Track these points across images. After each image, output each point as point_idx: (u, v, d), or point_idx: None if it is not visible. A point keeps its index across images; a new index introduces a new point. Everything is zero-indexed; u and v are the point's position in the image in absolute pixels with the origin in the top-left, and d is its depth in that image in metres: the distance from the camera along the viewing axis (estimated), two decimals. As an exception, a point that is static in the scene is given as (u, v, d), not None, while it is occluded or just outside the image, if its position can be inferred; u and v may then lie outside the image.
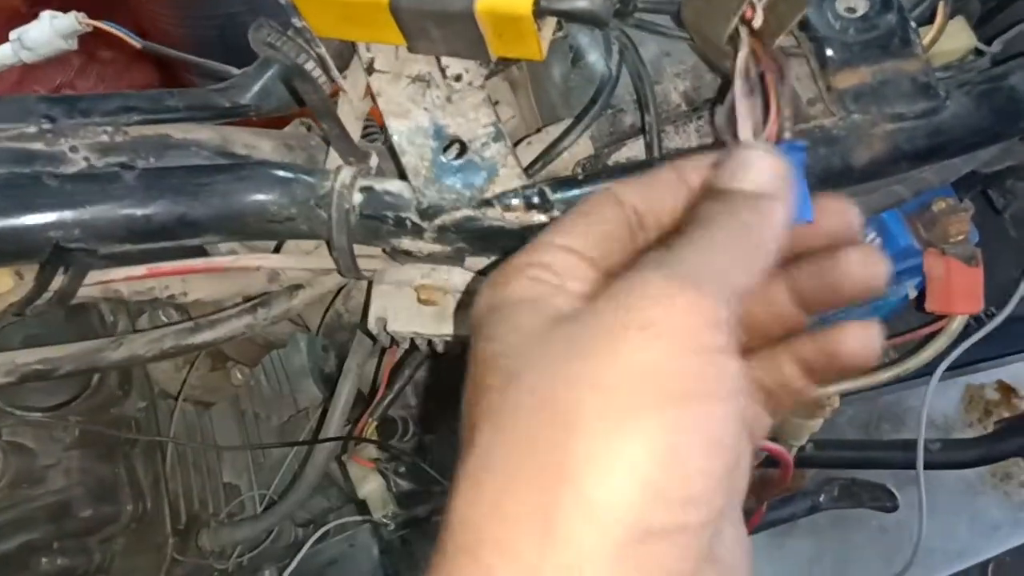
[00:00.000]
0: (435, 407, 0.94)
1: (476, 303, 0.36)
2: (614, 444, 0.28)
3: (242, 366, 0.85)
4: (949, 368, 0.81)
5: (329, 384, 0.84)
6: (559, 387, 0.30)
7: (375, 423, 0.76)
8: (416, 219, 0.52)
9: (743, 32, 0.41)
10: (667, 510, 0.28)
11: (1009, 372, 1.38)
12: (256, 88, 0.56)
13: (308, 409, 0.93)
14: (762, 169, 0.36)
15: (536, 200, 0.52)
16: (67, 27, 0.62)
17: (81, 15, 0.63)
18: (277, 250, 0.60)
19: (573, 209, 0.38)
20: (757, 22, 0.41)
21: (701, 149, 0.58)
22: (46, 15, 0.63)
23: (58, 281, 0.48)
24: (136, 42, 0.63)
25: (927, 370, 0.75)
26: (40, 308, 0.50)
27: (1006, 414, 1.60)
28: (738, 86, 0.38)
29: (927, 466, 1.03)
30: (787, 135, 0.45)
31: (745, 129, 0.37)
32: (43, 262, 0.47)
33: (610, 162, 0.60)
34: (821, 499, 1.39)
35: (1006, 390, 1.64)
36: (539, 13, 0.49)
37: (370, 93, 0.56)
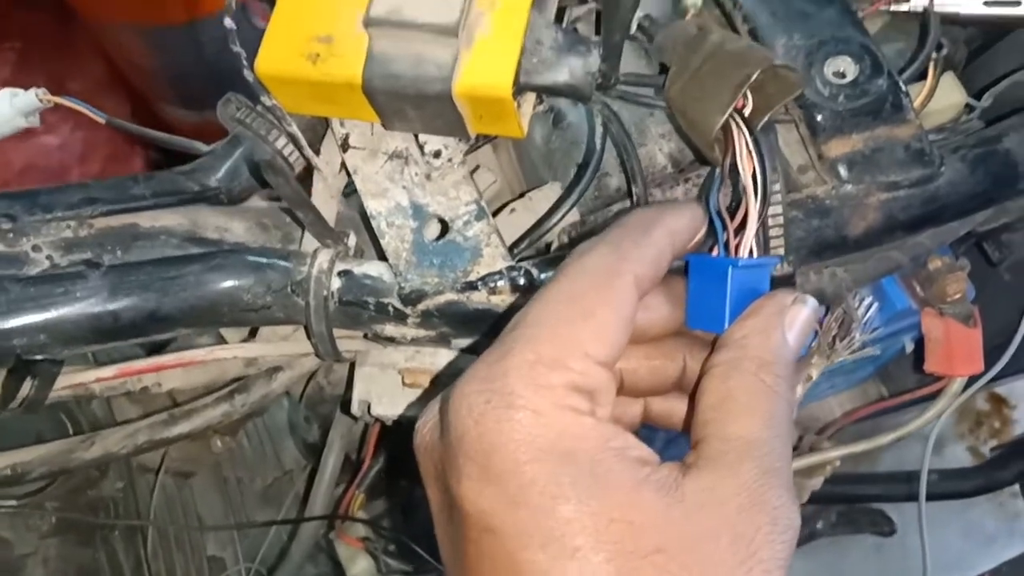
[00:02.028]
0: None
1: (482, 423, 0.33)
2: None
3: (223, 434, 0.83)
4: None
5: (312, 452, 0.82)
6: None
7: (362, 495, 0.74)
8: (398, 304, 0.50)
9: (734, 124, 0.39)
10: None
11: (1000, 384, 1.37)
12: (224, 169, 0.54)
13: (293, 471, 0.90)
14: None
15: (522, 281, 0.50)
16: (28, 105, 0.60)
17: (42, 91, 0.61)
18: (253, 333, 0.57)
19: (601, 291, 0.36)
20: (748, 109, 0.40)
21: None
22: (6, 93, 0.60)
23: (25, 389, 0.46)
24: (99, 117, 0.61)
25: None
26: (7, 415, 0.48)
27: (997, 425, 1.60)
28: (721, 185, 0.37)
29: (929, 498, 1.02)
30: (777, 239, 0.44)
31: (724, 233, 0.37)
32: (8, 371, 0.45)
33: (596, 228, 0.58)
34: (819, 526, 1.38)
35: (997, 401, 1.64)
36: (519, 91, 0.47)
37: (345, 168, 0.54)
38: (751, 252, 0.42)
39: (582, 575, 0.31)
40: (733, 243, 0.42)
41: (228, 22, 0.50)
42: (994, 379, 1.10)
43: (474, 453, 0.32)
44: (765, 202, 0.41)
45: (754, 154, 0.39)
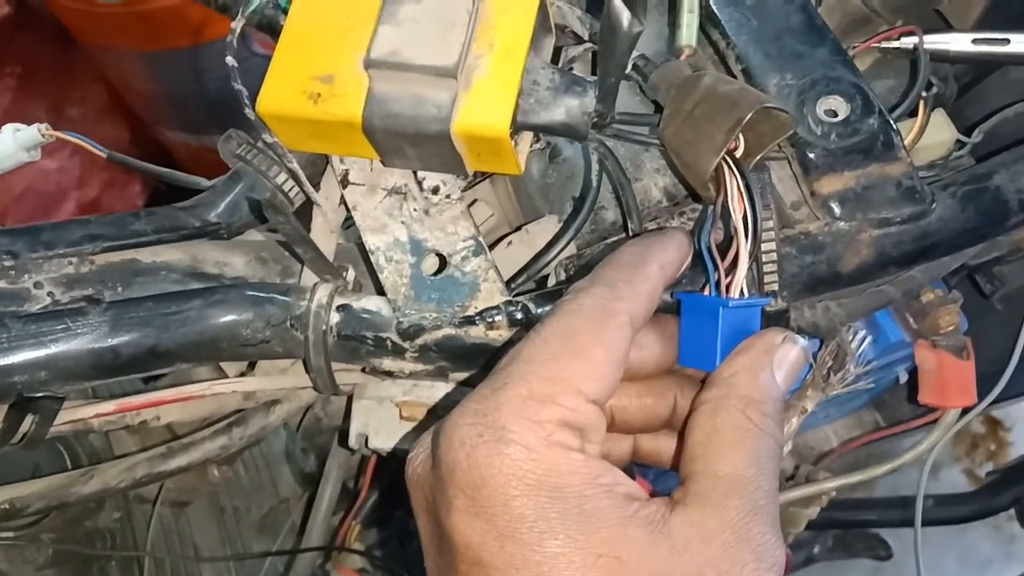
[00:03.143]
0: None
1: (473, 456, 0.33)
2: None
3: (219, 464, 0.83)
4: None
5: (309, 482, 0.82)
6: None
7: (359, 526, 0.74)
8: (396, 339, 0.51)
9: (727, 167, 0.40)
10: None
11: (995, 407, 1.37)
12: (224, 205, 0.55)
13: (289, 500, 0.90)
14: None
15: (519, 316, 0.50)
16: (30, 140, 0.61)
17: (44, 126, 0.61)
18: (252, 366, 0.58)
19: (594, 330, 0.36)
20: (740, 151, 0.41)
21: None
22: (8, 128, 0.61)
23: (26, 426, 0.46)
24: (100, 151, 0.62)
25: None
26: (7, 449, 0.48)
27: (993, 447, 1.60)
28: (714, 226, 0.38)
29: (924, 523, 1.02)
30: (771, 277, 0.44)
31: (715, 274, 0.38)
32: (9, 407, 0.45)
33: (593, 261, 0.59)
34: (816, 551, 1.38)
35: (993, 424, 1.64)
36: (516, 130, 0.48)
37: (344, 203, 0.55)
38: (742, 292, 0.43)
39: None
40: (724, 282, 0.42)
41: (230, 60, 0.50)
42: (989, 405, 1.11)
43: (464, 485, 0.33)
44: (756, 242, 0.42)
45: (745, 196, 0.40)
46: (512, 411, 0.34)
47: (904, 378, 0.68)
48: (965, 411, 0.64)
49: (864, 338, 0.56)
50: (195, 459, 0.56)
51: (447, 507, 0.33)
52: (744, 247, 0.40)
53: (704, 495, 0.35)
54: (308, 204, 0.58)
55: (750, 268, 0.45)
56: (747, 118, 0.41)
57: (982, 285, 0.69)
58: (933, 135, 0.56)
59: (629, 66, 0.52)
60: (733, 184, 0.40)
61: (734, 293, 0.42)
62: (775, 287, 0.47)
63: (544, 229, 0.61)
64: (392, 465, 0.78)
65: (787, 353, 0.41)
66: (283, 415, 0.58)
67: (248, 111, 0.49)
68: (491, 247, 0.58)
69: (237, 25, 0.54)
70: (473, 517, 0.33)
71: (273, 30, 0.61)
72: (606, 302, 0.38)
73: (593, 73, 0.57)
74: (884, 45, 0.59)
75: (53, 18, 1.97)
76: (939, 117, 0.57)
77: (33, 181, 2.08)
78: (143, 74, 2.07)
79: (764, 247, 0.45)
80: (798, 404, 0.59)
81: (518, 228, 0.63)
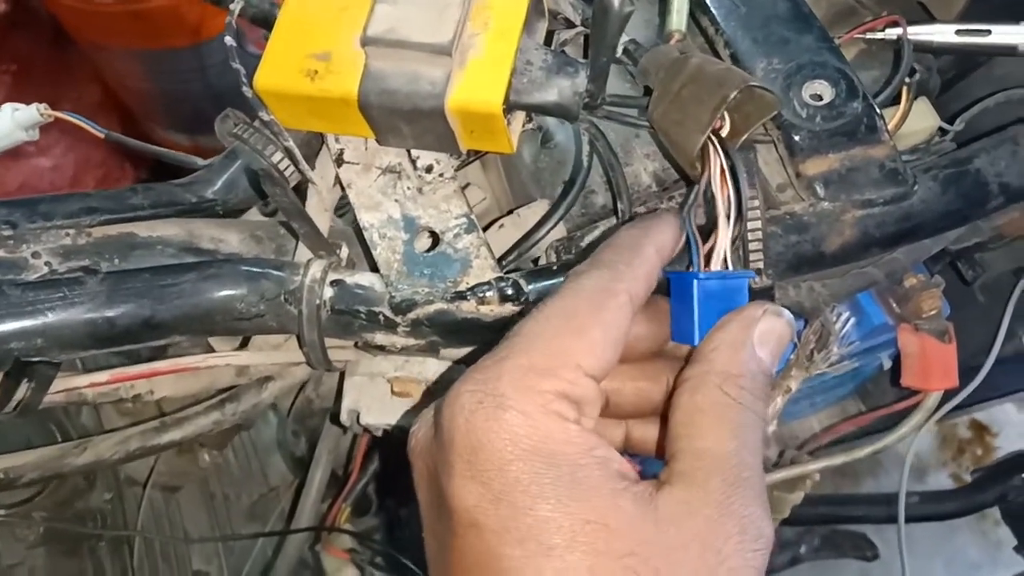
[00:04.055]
0: (409, 480, 0.92)
1: (471, 421, 0.34)
2: None
3: (210, 448, 0.83)
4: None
5: (300, 466, 0.83)
6: None
7: (348, 508, 0.74)
8: (389, 313, 0.52)
9: (712, 145, 0.41)
10: None
11: (982, 411, 1.39)
12: (221, 182, 0.56)
13: (279, 488, 0.90)
14: None
15: (510, 292, 0.51)
16: (29, 119, 0.61)
17: (43, 106, 0.62)
18: (245, 342, 0.58)
19: (595, 310, 0.37)
20: (725, 130, 0.42)
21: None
22: (7, 107, 0.62)
23: (21, 392, 0.47)
24: (98, 132, 0.62)
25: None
26: (2, 419, 0.48)
27: (979, 452, 1.61)
28: (698, 202, 0.39)
29: (908, 519, 1.03)
30: (756, 253, 0.45)
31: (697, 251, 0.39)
32: (5, 374, 0.46)
33: (583, 244, 0.60)
34: (802, 550, 1.38)
35: (979, 428, 1.65)
36: (509, 108, 0.49)
37: (339, 183, 0.56)
38: (726, 267, 0.44)
39: (556, 572, 0.32)
40: (702, 259, 0.43)
41: (228, 40, 0.51)
42: (975, 403, 1.13)
43: (463, 450, 0.34)
44: (740, 219, 0.43)
45: (729, 175, 0.41)
46: (512, 380, 0.35)
47: (888, 364, 0.69)
48: (948, 399, 0.65)
49: (848, 319, 0.57)
50: (188, 434, 0.56)
51: (447, 472, 0.34)
52: (724, 223, 0.41)
53: (689, 474, 0.36)
54: (303, 188, 0.58)
55: (736, 247, 0.46)
56: (732, 97, 0.42)
57: (964, 272, 0.70)
58: (916, 122, 0.57)
59: (620, 50, 0.53)
60: (718, 162, 0.41)
61: (714, 267, 0.43)
62: (760, 264, 0.48)
63: (535, 213, 0.62)
64: (382, 451, 0.79)
65: (770, 326, 0.42)
66: (275, 392, 0.59)
67: (245, 88, 0.49)
68: (484, 230, 0.59)
69: (236, 6, 0.55)
70: (469, 480, 0.33)
71: (268, 23, 0.62)
72: (606, 283, 0.39)
73: (584, 57, 0.58)
74: (869, 36, 0.60)
75: (49, 16, 1.98)
76: (922, 105, 0.58)
77: (28, 179, 2.08)
78: (138, 73, 2.07)
79: (749, 225, 0.46)
80: (782, 384, 0.59)
81: (510, 212, 0.64)
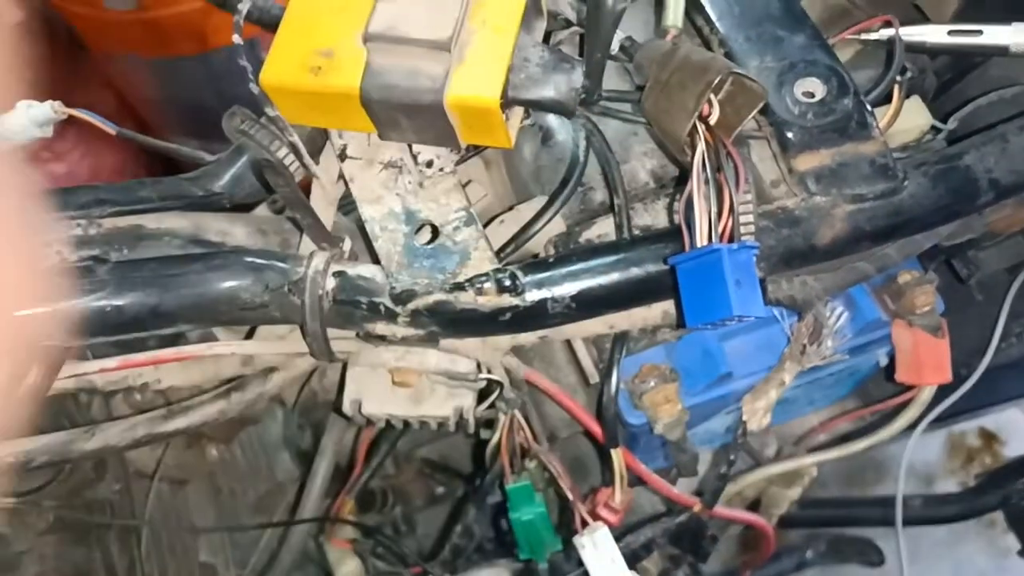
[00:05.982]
0: (414, 478, 0.94)
1: None
2: None
3: (217, 442, 0.84)
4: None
5: (305, 460, 0.84)
6: None
7: (352, 500, 0.75)
8: (389, 304, 0.53)
9: (701, 129, 0.42)
10: None
11: (991, 419, 1.39)
12: (228, 176, 0.57)
13: (285, 483, 0.92)
14: None
15: (508, 283, 0.52)
16: (43, 116, 0.63)
17: (57, 103, 0.64)
18: (251, 333, 0.60)
19: None
20: (713, 118, 0.43)
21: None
22: (22, 104, 0.63)
23: (31, 377, 0.48)
24: (110, 129, 0.64)
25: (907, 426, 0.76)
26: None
27: (988, 460, 1.61)
28: (694, 184, 0.39)
29: (910, 522, 1.03)
30: (747, 228, 0.46)
31: (702, 227, 0.39)
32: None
33: (581, 239, 0.61)
34: (808, 555, 1.38)
35: (988, 437, 1.65)
36: (507, 104, 0.50)
37: (343, 178, 0.57)
38: (731, 239, 0.44)
39: None
40: (718, 231, 0.44)
41: (236, 38, 0.53)
42: (978, 406, 1.13)
43: None
44: (737, 191, 0.44)
45: (714, 154, 0.42)
46: None
47: (885, 362, 0.70)
48: (944, 395, 0.66)
49: (841, 313, 0.58)
50: (194, 422, 0.58)
51: None
52: (727, 190, 0.41)
53: None
54: (307, 184, 0.60)
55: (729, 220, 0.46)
56: (715, 81, 0.43)
57: (959, 270, 0.71)
58: (908, 119, 0.58)
59: (616, 47, 0.55)
60: (706, 145, 0.43)
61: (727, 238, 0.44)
62: (752, 232, 0.48)
63: (535, 209, 0.63)
64: (386, 447, 0.80)
65: None
66: (279, 383, 0.60)
67: (252, 84, 0.51)
68: (484, 226, 0.60)
69: (244, 6, 0.57)
70: None
71: (274, 26, 0.63)
72: None
73: (581, 54, 0.60)
74: (863, 36, 0.61)
75: (62, 24, 2.01)
76: (915, 103, 0.59)
77: (42, 184, 2.11)
78: (150, 81, 2.10)
79: (739, 199, 0.47)
80: (776, 376, 0.61)
81: (510, 209, 0.65)
